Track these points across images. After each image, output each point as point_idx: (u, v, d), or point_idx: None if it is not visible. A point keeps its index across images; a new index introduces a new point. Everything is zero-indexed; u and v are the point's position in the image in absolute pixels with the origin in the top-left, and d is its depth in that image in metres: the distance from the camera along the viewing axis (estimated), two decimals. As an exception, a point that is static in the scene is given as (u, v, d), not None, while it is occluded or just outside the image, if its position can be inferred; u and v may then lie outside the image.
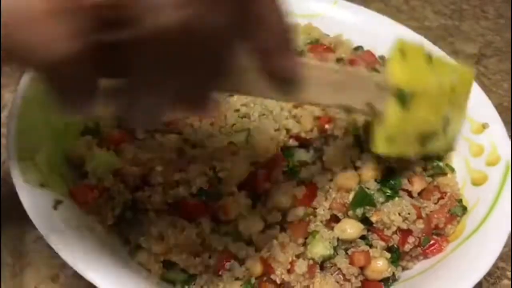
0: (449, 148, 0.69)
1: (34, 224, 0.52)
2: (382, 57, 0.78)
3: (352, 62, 0.75)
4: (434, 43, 0.82)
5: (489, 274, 0.72)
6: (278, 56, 0.41)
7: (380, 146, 0.57)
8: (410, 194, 0.64)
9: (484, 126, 0.71)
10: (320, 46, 0.78)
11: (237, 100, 0.68)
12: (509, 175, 0.64)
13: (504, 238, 0.58)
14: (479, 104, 0.73)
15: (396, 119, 0.56)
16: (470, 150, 0.70)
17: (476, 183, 0.67)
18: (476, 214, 0.63)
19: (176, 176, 0.60)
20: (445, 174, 0.68)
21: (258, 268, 0.57)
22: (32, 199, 0.54)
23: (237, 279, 0.57)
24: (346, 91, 0.51)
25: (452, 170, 0.69)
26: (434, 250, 0.62)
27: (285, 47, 0.41)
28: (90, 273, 0.50)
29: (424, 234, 0.62)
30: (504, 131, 0.70)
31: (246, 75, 0.43)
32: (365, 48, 0.83)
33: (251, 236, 0.58)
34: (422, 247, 0.62)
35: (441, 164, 0.69)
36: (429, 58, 0.60)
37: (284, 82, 0.43)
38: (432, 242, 0.63)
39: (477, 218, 0.62)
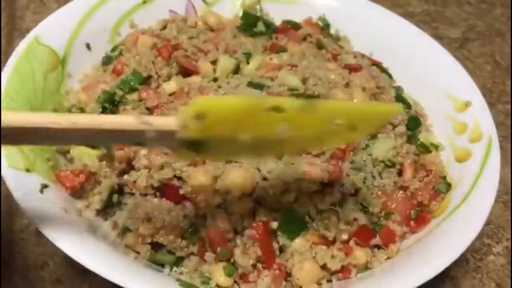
0: None
1: (21, 208, 0.52)
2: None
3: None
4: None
5: (476, 250, 0.73)
6: None
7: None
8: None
9: (467, 104, 0.72)
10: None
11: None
12: (492, 150, 0.65)
13: (486, 212, 0.59)
14: (461, 83, 0.74)
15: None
16: (454, 128, 0.71)
17: (460, 159, 0.68)
18: (460, 190, 0.63)
19: (160, 160, 0.60)
20: (429, 152, 0.69)
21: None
22: (18, 183, 0.54)
23: (220, 261, 0.57)
24: None
25: (436, 148, 0.70)
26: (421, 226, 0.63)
27: None
28: (80, 256, 0.50)
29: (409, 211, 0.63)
30: (486, 107, 0.71)
31: None
32: (348, 34, 0.85)
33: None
34: (414, 220, 0.63)
35: (426, 142, 0.70)
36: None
37: None
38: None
39: (461, 194, 0.63)
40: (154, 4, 0.82)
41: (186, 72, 0.72)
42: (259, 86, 0.68)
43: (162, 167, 0.60)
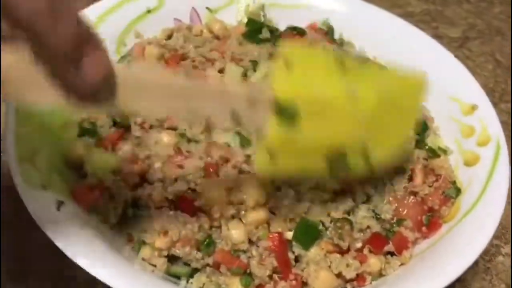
0: (371, 172, 0.58)
1: (39, 225, 0.52)
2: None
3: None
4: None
5: (485, 252, 0.73)
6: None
7: (261, 164, 0.51)
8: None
9: (474, 107, 0.72)
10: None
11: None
12: (500, 154, 0.66)
13: (498, 217, 0.60)
14: (467, 86, 0.75)
15: (276, 137, 0.49)
16: (461, 131, 0.72)
17: (469, 163, 0.68)
18: (470, 195, 0.64)
19: (175, 173, 0.60)
20: (438, 156, 0.70)
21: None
22: (35, 201, 0.54)
23: (236, 274, 0.58)
24: (194, 100, 0.45)
25: (445, 152, 0.71)
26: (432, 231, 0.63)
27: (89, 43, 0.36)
28: (98, 271, 0.50)
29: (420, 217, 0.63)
30: (493, 111, 0.71)
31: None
32: (349, 37, 0.85)
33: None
34: (426, 226, 0.64)
35: (433, 147, 0.71)
36: (340, 64, 0.51)
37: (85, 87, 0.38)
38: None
39: (471, 199, 0.63)
40: (159, 13, 0.82)
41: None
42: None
43: (176, 180, 0.60)
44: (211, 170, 0.61)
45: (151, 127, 0.66)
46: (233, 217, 0.60)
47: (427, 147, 0.71)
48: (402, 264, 0.61)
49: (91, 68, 0.37)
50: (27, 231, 0.58)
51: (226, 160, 0.63)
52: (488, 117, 0.71)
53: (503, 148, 0.66)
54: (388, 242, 0.61)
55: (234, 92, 0.47)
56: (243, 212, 0.59)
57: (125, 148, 0.63)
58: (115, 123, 0.66)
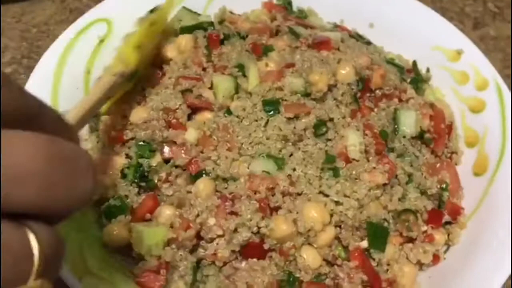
0: None
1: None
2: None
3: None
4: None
5: None
6: None
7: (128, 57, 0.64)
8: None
9: (459, 52, 0.75)
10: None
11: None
12: (504, 95, 0.69)
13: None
14: (446, 32, 0.76)
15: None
16: (454, 79, 0.74)
17: (475, 109, 0.71)
18: (491, 142, 0.68)
19: (232, 223, 0.57)
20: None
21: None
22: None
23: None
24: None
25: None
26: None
27: None
28: None
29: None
30: (480, 52, 0.74)
31: None
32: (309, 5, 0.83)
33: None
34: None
35: (434, 99, 0.74)
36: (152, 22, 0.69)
37: None
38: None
39: (496, 145, 0.67)
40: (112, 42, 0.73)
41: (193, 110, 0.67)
42: (275, 103, 0.66)
43: (236, 230, 0.57)
44: (262, 205, 0.59)
45: (176, 176, 0.61)
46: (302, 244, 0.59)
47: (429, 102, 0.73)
48: (461, 229, 0.64)
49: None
50: None
51: (272, 189, 0.60)
52: (477, 60, 0.73)
53: (505, 89, 0.70)
54: (443, 214, 0.64)
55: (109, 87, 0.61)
56: (311, 237, 0.58)
57: (167, 212, 0.58)
58: (140, 187, 0.60)
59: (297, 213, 0.58)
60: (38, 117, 0.31)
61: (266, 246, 0.57)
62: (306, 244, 0.59)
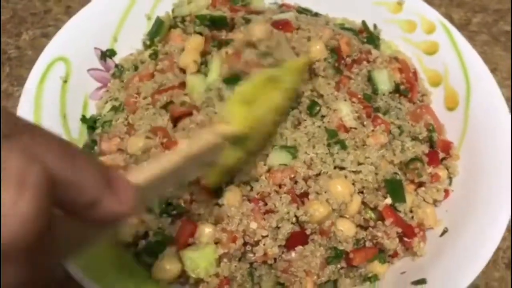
0: None
1: None
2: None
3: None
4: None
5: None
6: None
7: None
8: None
9: (400, 3, 0.80)
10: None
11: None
12: (453, 33, 0.76)
13: (495, 85, 0.72)
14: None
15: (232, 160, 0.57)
16: (402, 28, 0.80)
17: (430, 52, 0.78)
18: (455, 76, 0.75)
19: (272, 221, 0.59)
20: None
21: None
22: None
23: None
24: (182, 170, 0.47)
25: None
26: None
27: None
28: None
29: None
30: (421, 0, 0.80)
31: None
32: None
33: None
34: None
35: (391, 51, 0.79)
36: (272, 78, 0.61)
37: None
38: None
39: (458, 80, 0.74)
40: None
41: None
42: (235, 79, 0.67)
43: (277, 226, 0.60)
44: (292, 195, 0.61)
45: (199, 194, 0.62)
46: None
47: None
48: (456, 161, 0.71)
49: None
50: None
51: (293, 177, 0.63)
52: (418, 6, 0.79)
53: (452, 28, 0.77)
54: (438, 152, 0.70)
55: (202, 148, 0.49)
56: (343, 210, 0.62)
57: (207, 231, 0.59)
58: (170, 217, 0.60)
59: (325, 192, 0.61)
60: None
61: (308, 232, 0.60)
62: (339, 217, 0.63)
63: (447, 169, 0.70)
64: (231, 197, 0.61)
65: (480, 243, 0.59)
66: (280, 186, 0.62)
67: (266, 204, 0.61)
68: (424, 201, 0.66)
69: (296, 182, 0.62)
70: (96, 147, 0.68)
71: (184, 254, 0.58)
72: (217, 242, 0.59)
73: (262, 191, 0.61)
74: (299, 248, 0.60)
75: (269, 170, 0.62)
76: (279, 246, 0.60)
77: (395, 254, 0.64)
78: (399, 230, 0.63)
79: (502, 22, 1.05)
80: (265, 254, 0.59)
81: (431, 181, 0.68)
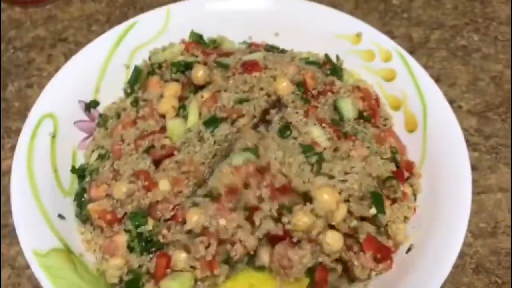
0: None
1: None
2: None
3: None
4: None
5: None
6: None
7: None
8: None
9: (358, 35, 0.87)
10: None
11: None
12: (408, 60, 0.83)
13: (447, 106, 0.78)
14: (343, 21, 0.88)
15: None
16: (362, 58, 0.87)
17: (388, 78, 0.85)
18: (413, 101, 0.81)
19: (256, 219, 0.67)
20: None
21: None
22: None
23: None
24: None
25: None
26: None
27: None
28: None
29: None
30: (375, 30, 0.86)
31: None
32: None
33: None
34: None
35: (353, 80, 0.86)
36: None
37: None
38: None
39: (416, 104, 0.81)
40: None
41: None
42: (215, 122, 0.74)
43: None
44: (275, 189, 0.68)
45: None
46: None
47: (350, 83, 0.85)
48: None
49: None
50: None
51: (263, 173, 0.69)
52: (375, 37, 0.86)
53: (407, 56, 0.83)
54: (403, 171, 0.77)
55: None
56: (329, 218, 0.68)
57: (181, 256, 0.65)
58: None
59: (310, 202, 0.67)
60: None
61: (294, 240, 0.66)
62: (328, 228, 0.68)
63: (412, 187, 0.76)
64: (195, 218, 0.66)
65: (441, 255, 0.66)
66: (246, 185, 0.68)
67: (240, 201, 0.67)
68: (397, 218, 0.73)
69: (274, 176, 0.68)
70: (85, 195, 0.73)
71: (162, 286, 0.64)
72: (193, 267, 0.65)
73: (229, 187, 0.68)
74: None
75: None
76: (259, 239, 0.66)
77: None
78: (378, 256, 0.69)
79: (459, 38, 1.12)
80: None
81: (404, 200, 0.74)
